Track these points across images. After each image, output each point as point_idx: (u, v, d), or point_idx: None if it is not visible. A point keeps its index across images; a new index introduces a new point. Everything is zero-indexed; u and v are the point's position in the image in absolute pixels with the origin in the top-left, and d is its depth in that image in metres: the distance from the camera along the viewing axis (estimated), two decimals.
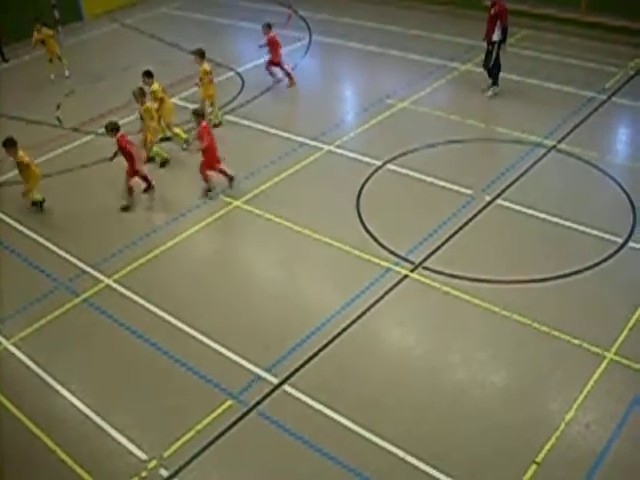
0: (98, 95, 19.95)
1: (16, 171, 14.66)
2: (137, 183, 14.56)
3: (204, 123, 14.39)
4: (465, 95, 17.98)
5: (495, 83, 17.87)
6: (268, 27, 18.83)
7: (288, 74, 19.33)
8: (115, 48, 23.66)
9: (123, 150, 14.19)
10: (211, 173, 14.70)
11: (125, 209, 14.47)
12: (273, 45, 18.89)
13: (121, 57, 22.47)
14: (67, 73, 21.13)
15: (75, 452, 9.45)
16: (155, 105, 15.88)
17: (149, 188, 14.74)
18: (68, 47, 23.61)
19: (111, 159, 14.67)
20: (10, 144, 14.15)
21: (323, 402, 9.78)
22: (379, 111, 17.59)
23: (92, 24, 26.11)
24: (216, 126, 17.18)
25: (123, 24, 25.81)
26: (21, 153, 14.24)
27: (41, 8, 24.03)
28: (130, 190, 14.54)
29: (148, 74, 16.17)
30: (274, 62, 19.19)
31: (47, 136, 17.76)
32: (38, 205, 14.65)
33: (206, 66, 17.02)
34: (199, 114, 14.48)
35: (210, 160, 14.55)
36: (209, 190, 14.76)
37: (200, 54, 17.02)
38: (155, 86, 16.11)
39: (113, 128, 14.15)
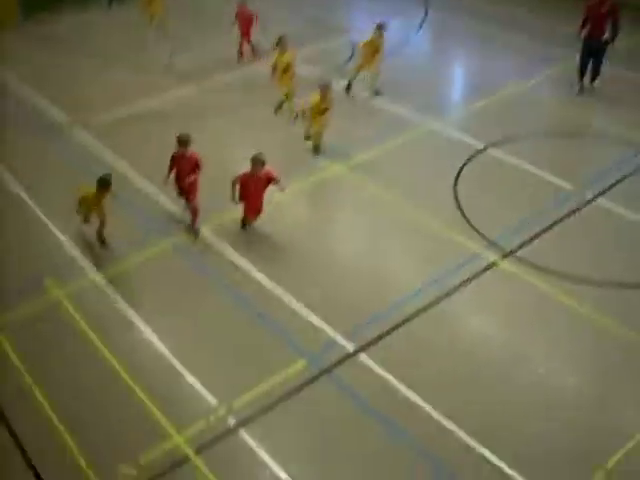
0: (210, 47, 20.31)
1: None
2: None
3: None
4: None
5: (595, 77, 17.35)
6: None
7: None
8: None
9: (197, 167, 12.31)
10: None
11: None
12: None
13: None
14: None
15: (150, 388, 9.72)
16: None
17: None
18: None
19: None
20: (106, 184, 12.03)
21: (396, 376, 9.77)
22: (491, 92, 17.44)
23: None
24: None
25: None
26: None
27: None
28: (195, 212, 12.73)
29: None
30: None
31: (154, 83, 18.20)
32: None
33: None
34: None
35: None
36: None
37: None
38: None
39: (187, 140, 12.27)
